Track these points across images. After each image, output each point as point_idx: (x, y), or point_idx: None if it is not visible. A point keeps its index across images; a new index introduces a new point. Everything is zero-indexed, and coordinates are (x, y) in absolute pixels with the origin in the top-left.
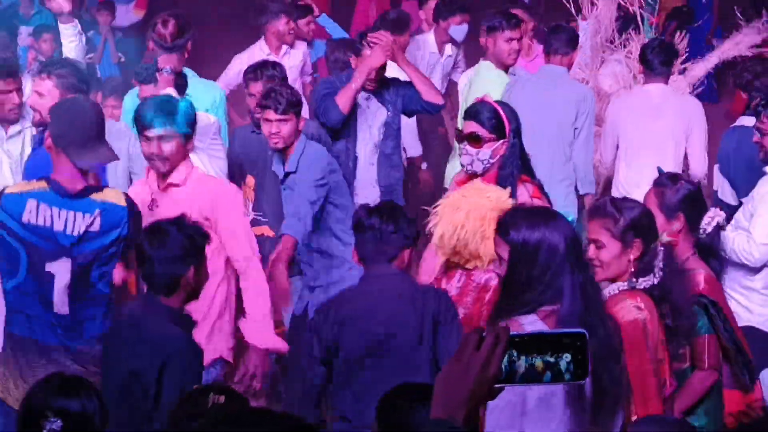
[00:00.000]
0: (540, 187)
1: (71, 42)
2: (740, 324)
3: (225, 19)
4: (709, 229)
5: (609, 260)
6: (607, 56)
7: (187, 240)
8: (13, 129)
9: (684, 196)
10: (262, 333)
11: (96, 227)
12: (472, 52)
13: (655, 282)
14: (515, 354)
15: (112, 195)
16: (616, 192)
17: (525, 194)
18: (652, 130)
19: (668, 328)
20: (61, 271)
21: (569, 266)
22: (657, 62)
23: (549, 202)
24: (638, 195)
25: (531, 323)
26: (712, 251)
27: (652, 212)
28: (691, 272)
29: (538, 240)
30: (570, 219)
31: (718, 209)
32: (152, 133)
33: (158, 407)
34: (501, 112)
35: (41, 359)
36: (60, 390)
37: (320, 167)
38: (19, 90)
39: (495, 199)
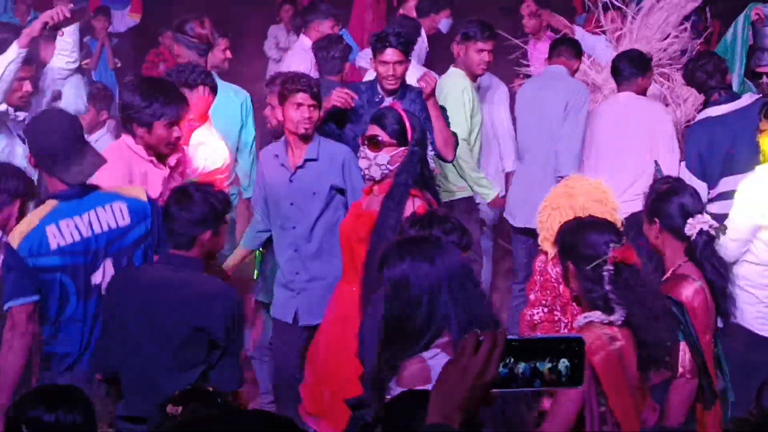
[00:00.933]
0: (430, 203)
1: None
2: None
3: (219, 24)
4: (694, 236)
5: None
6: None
7: (207, 206)
8: (19, 116)
9: (658, 201)
10: None
11: (127, 220)
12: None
13: (624, 314)
14: (513, 359)
15: (133, 191)
16: None
17: (410, 208)
18: (617, 137)
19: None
20: (105, 276)
21: (448, 292)
22: (626, 72)
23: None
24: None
25: (433, 356)
26: (703, 257)
27: (575, 231)
28: (679, 279)
29: (407, 271)
30: None
31: (703, 216)
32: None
33: (230, 354)
34: (405, 119)
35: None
36: (39, 401)
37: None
38: (32, 79)
39: (596, 184)
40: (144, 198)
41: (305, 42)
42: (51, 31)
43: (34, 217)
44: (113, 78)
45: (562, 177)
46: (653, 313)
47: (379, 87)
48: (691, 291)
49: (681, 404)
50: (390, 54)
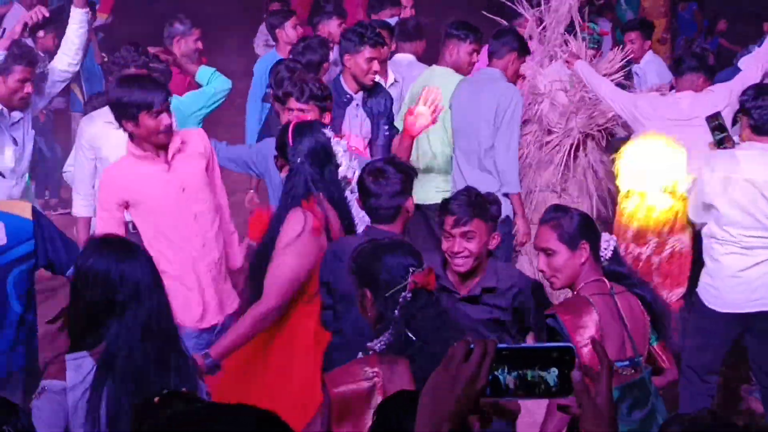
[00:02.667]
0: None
1: (81, 28)
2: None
3: (205, 19)
4: (609, 254)
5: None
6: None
7: (403, 174)
8: (15, 116)
9: (581, 222)
10: None
11: (2, 241)
12: None
13: (391, 339)
14: (503, 367)
15: (16, 207)
16: None
17: (299, 222)
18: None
19: None
20: None
21: (120, 308)
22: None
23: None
24: None
25: (74, 359)
26: (622, 276)
27: (372, 255)
28: (578, 304)
29: (101, 271)
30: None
31: (607, 233)
32: None
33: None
34: (289, 131)
35: None
36: None
37: None
38: (33, 81)
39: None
40: (28, 216)
41: None
42: (32, 33)
43: None
44: (100, 72)
45: (507, 194)
46: (442, 337)
47: (345, 85)
48: (588, 321)
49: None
50: (378, 51)
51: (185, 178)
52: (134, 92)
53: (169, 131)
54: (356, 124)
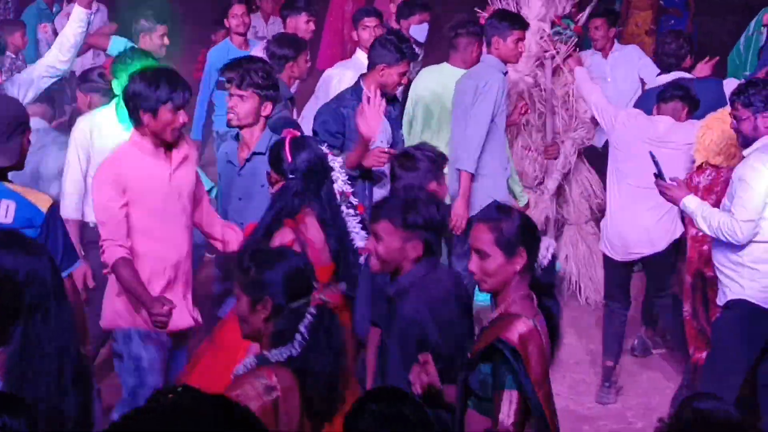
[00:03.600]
0: (301, 237)
1: (80, 27)
2: (732, 297)
3: (190, 13)
4: (546, 262)
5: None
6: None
7: (428, 160)
8: None
9: (522, 226)
10: None
11: (9, 219)
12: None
13: (293, 353)
14: None
15: (36, 197)
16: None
17: (277, 240)
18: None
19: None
20: None
21: (28, 310)
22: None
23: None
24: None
25: None
26: (549, 290)
27: (279, 270)
28: (513, 319)
29: (9, 269)
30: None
31: (546, 238)
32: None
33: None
34: (287, 147)
35: None
36: None
37: None
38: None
39: None
40: (44, 208)
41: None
42: None
43: None
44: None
45: (459, 170)
46: (332, 357)
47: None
48: (524, 330)
49: None
50: (410, 65)
51: (183, 187)
52: (160, 85)
53: (181, 128)
54: (381, 129)
